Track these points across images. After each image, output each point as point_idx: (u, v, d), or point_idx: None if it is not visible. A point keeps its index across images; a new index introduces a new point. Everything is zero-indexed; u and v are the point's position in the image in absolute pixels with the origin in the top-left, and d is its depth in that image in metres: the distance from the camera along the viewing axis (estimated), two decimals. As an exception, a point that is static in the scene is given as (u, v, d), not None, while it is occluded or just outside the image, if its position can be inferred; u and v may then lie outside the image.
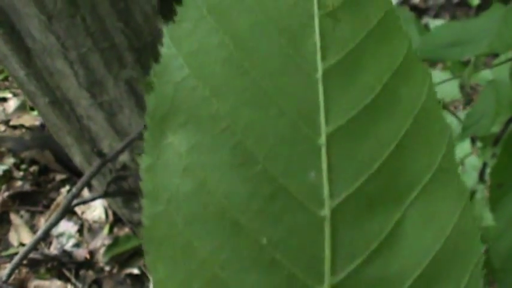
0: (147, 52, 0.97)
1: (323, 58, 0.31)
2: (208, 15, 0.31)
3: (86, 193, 1.94)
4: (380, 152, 0.30)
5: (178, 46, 0.31)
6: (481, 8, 2.66)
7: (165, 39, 0.31)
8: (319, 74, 0.30)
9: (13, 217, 2.02)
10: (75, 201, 1.08)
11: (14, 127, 2.22)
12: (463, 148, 1.26)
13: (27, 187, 2.10)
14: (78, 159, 1.15)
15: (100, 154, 1.02)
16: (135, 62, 0.98)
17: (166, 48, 0.31)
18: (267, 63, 0.30)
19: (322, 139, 0.30)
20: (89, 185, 1.43)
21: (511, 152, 0.84)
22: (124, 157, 1.09)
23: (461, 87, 0.87)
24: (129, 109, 1.02)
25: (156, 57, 0.87)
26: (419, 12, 2.80)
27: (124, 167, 1.11)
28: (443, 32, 0.74)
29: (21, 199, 2.07)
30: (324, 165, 0.29)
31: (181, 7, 0.31)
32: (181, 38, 0.31)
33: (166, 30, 0.31)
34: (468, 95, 0.87)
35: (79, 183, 1.04)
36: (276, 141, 0.29)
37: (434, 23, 2.28)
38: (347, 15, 0.32)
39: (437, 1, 2.80)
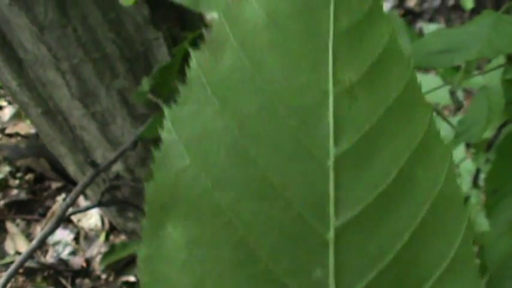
0: (139, 62, 0.97)
1: (336, 143, 0.29)
2: (213, 97, 0.29)
3: (82, 202, 1.94)
4: (392, 243, 0.28)
5: (180, 131, 0.29)
6: (475, 12, 2.66)
7: (166, 123, 0.29)
8: (331, 161, 0.29)
9: (9, 226, 2.01)
10: (69, 211, 1.08)
11: (10, 135, 2.22)
12: (457, 153, 1.26)
13: (23, 195, 2.10)
14: (71, 169, 1.15)
15: (93, 164, 1.02)
16: (127, 72, 0.98)
17: (166, 133, 0.29)
18: (275, 150, 0.29)
19: (331, 234, 0.28)
20: (84, 194, 1.43)
21: (505, 158, 0.84)
22: (117, 167, 1.09)
23: (452, 93, 0.87)
24: (121, 119, 1.02)
25: (148, 68, 0.87)
26: (414, 16, 2.80)
27: (117, 176, 1.10)
28: (434, 39, 0.74)
29: (17, 207, 2.07)
30: (331, 262, 0.28)
31: (184, 86, 0.29)
32: (184, 121, 0.29)
33: (167, 112, 0.29)
34: (458, 102, 0.87)
35: (72, 194, 1.04)
36: (280, 236, 0.28)
37: (428, 28, 2.27)
38: (365, 91, 0.30)
39: (432, 4, 2.80)
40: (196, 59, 0.29)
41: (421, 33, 2.59)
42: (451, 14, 2.76)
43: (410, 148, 0.29)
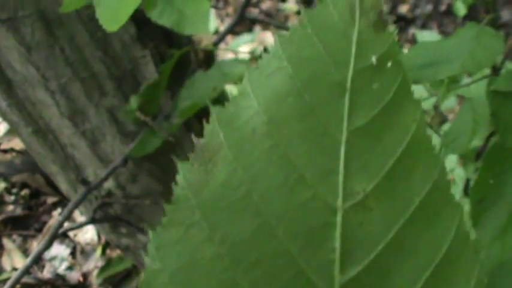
0: (127, 80, 0.98)
1: (342, 271, 0.26)
2: (203, 220, 0.26)
3: (78, 217, 1.95)
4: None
5: (164, 259, 0.26)
6: (468, 18, 2.67)
7: (150, 248, 0.26)
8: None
9: (5, 242, 2.01)
10: (62, 229, 1.08)
11: (4, 151, 2.22)
12: (450, 161, 1.26)
13: (18, 211, 2.10)
14: (63, 186, 1.15)
15: (84, 182, 1.02)
16: (116, 90, 0.98)
17: (150, 260, 0.26)
18: (273, 282, 0.26)
19: None
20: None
21: (491, 168, 0.84)
22: (109, 184, 1.09)
23: (435, 107, 0.87)
24: (111, 136, 1.03)
25: (136, 86, 0.87)
26: (407, 22, 2.80)
27: (109, 193, 1.11)
28: (418, 53, 0.74)
29: (13, 223, 2.07)
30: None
31: (170, 206, 0.27)
32: (169, 248, 0.26)
33: (151, 236, 0.26)
34: (442, 116, 0.87)
35: (65, 211, 1.05)
36: None
37: (421, 35, 2.28)
38: (381, 200, 0.27)
39: (425, 10, 2.81)
40: (184, 173, 0.27)
41: (414, 40, 2.60)
42: (444, 19, 2.77)
43: (433, 264, 0.27)
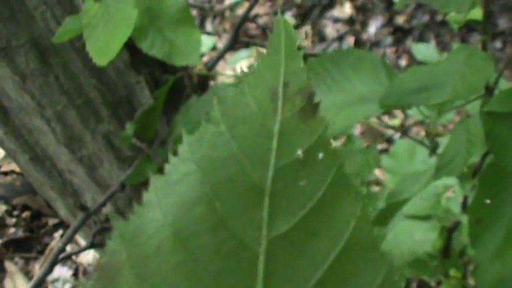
0: (122, 106, 0.98)
1: None
2: None
3: (81, 239, 1.94)
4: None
5: None
6: (465, 28, 2.67)
7: None
8: None
9: (8, 265, 2.01)
10: (63, 254, 1.08)
11: (5, 173, 2.22)
12: (449, 178, 1.26)
13: (20, 233, 2.10)
14: (62, 212, 1.15)
15: (83, 208, 1.02)
16: (111, 116, 0.98)
17: None
18: None
19: None
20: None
21: (487, 188, 0.84)
22: (107, 208, 1.09)
23: (427, 133, 0.87)
24: (108, 162, 1.03)
25: (131, 111, 0.88)
26: (404, 33, 2.81)
27: (108, 218, 1.11)
28: (409, 78, 0.74)
29: (15, 246, 2.07)
30: None
31: None
32: None
33: None
34: (434, 142, 0.88)
35: (64, 238, 1.05)
36: None
37: (417, 48, 2.28)
38: None
39: (421, 21, 2.81)
40: None
41: (411, 52, 2.60)
42: (441, 29, 2.77)
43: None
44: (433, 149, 0.85)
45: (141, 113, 0.94)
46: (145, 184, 0.99)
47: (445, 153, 0.81)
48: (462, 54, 0.73)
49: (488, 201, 0.83)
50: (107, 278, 0.24)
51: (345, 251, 0.25)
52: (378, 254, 0.25)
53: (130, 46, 0.89)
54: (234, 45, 1.00)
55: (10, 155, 1.07)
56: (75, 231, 1.05)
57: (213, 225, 0.25)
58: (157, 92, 0.94)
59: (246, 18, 0.96)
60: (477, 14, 1.15)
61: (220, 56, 0.98)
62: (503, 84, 1.00)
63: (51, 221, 2.12)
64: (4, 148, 1.06)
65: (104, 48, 0.72)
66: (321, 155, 0.26)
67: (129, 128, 0.93)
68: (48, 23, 0.88)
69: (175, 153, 0.26)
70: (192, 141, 0.26)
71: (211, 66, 0.99)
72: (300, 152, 0.26)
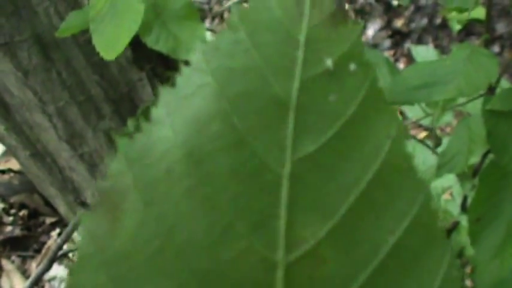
0: (124, 102, 0.98)
1: None
2: (108, 282, 0.21)
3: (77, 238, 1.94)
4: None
5: None
6: (463, 31, 2.68)
7: None
8: None
9: (4, 263, 2.01)
10: (61, 251, 1.08)
11: (2, 172, 2.22)
12: (448, 178, 1.26)
13: (17, 232, 2.10)
14: (62, 209, 1.15)
15: (83, 204, 1.02)
16: (113, 113, 0.98)
17: None
18: None
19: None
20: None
21: (488, 187, 0.84)
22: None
23: (430, 130, 0.88)
24: (109, 159, 1.03)
25: (133, 108, 0.88)
26: (402, 36, 2.81)
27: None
28: (412, 74, 0.75)
29: (11, 244, 2.07)
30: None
31: (74, 269, 0.21)
32: None
33: None
34: (437, 138, 0.88)
35: (63, 235, 1.05)
36: None
37: (416, 50, 2.28)
38: (338, 248, 0.22)
39: (420, 24, 2.81)
40: (87, 225, 0.21)
41: (409, 54, 2.60)
42: (439, 33, 2.78)
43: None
44: (436, 145, 0.85)
45: (142, 109, 0.95)
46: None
47: (447, 150, 0.81)
48: (465, 52, 0.73)
49: (488, 199, 0.84)
50: (110, 204, 0.21)
51: (378, 175, 0.22)
52: (415, 179, 0.22)
53: (132, 42, 0.89)
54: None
55: (11, 151, 1.07)
56: (75, 228, 1.05)
57: (231, 144, 0.22)
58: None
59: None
60: (478, 13, 1.15)
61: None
62: (505, 84, 1.00)
63: (48, 220, 2.12)
64: (5, 144, 1.06)
65: (110, 42, 0.72)
66: (352, 67, 0.23)
67: (131, 124, 0.93)
68: (52, 18, 0.88)
69: (187, 64, 0.23)
70: (207, 50, 0.23)
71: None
72: (329, 62, 0.23)
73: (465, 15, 0.78)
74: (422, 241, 0.22)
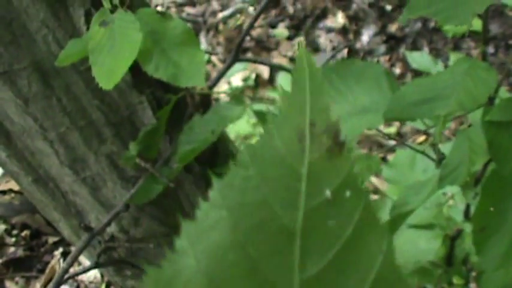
0: (125, 126, 0.98)
1: None
2: None
3: (82, 258, 1.94)
4: None
5: None
6: (457, 34, 2.68)
7: None
8: None
9: (8, 284, 2.01)
10: (67, 275, 1.08)
11: (3, 192, 2.22)
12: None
13: (20, 252, 2.10)
14: (66, 233, 1.15)
15: (87, 228, 1.03)
16: (114, 137, 0.99)
17: None
18: None
19: None
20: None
21: (491, 196, 0.85)
22: (111, 228, 1.09)
23: (433, 145, 0.88)
24: (112, 182, 1.03)
25: (134, 131, 0.88)
26: (397, 41, 2.82)
27: (112, 237, 1.11)
28: (412, 90, 0.75)
29: (15, 265, 2.07)
30: None
31: None
32: None
33: None
34: (440, 153, 0.88)
35: (69, 259, 1.05)
36: None
37: (411, 56, 2.29)
38: None
39: (414, 28, 2.82)
40: None
41: (404, 59, 2.61)
42: (433, 36, 2.79)
43: None
44: (439, 160, 0.85)
45: (144, 133, 0.95)
46: (149, 202, 0.99)
47: (448, 162, 0.81)
48: (463, 66, 0.74)
49: (492, 209, 0.84)
50: None
51: (373, 287, 0.25)
52: (404, 286, 0.25)
53: (132, 67, 0.90)
54: (234, 63, 1.00)
55: (13, 177, 1.08)
56: (80, 252, 1.05)
57: (247, 272, 0.25)
58: (161, 112, 0.94)
59: (246, 35, 0.96)
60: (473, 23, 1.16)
61: (222, 75, 0.99)
62: (503, 93, 1.01)
63: (51, 239, 2.12)
64: (7, 171, 1.06)
65: (109, 72, 0.73)
66: (348, 193, 0.26)
67: (133, 148, 0.93)
68: (50, 46, 0.89)
69: (205, 199, 0.26)
70: (222, 186, 0.26)
71: (212, 84, 1.00)
72: (328, 192, 0.26)
73: (460, 28, 0.79)
74: None
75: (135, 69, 0.83)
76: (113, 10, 0.77)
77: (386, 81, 0.85)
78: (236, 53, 0.98)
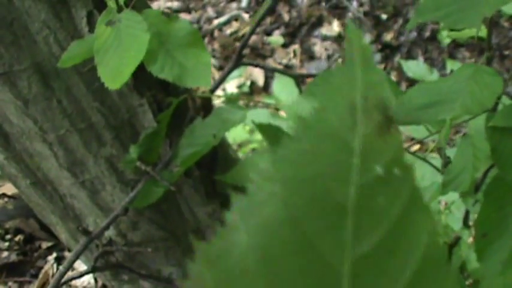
0: (125, 129, 0.98)
1: None
2: None
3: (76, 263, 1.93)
4: None
5: None
6: (452, 43, 2.69)
7: None
8: None
9: (1, 289, 2.00)
10: (64, 279, 1.08)
11: (-3, 197, 2.21)
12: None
13: (13, 257, 2.08)
14: (64, 236, 1.15)
15: (85, 232, 1.02)
16: (114, 140, 0.98)
17: None
18: None
19: None
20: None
21: (493, 202, 0.84)
22: (109, 232, 1.09)
23: (439, 149, 0.88)
24: (111, 186, 1.02)
25: (134, 135, 0.87)
26: (392, 49, 2.82)
27: (110, 241, 1.10)
28: (416, 94, 0.75)
29: (8, 270, 2.06)
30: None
31: None
32: None
33: None
34: (446, 157, 0.88)
35: (66, 263, 1.04)
36: None
37: (407, 65, 2.30)
38: None
39: (409, 37, 2.83)
40: None
41: (400, 68, 2.61)
42: (428, 45, 2.79)
43: None
44: (445, 164, 0.85)
45: (144, 136, 0.94)
46: (148, 206, 0.99)
47: (452, 168, 0.81)
48: (468, 71, 0.74)
49: (494, 215, 0.84)
50: None
51: (420, 267, 0.24)
52: (448, 269, 0.25)
53: (133, 69, 0.90)
54: (237, 67, 1.00)
55: (11, 179, 1.07)
56: (78, 256, 1.04)
57: (300, 248, 0.24)
58: (162, 115, 0.94)
59: (248, 39, 0.96)
60: (472, 31, 1.16)
61: (223, 79, 0.99)
62: (505, 100, 1.01)
63: (45, 244, 2.10)
64: (4, 173, 1.06)
65: (115, 72, 0.72)
66: (396, 171, 0.25)
67: (134, 151, 0.93)
68: (51, 47, 0.88)
69: (257, 172, 0.25)
70: (275, 159, 0.25)
71: (214, 88, 0.99)
72: (379, 169, 0.25)
73: (462, 34, 0.79)
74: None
75: (136, 72, 0.83)
76: (119, 10, 0.77)
77: (389, 86, 0.85)
78: (238, 57, 0.98)
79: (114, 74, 0.72)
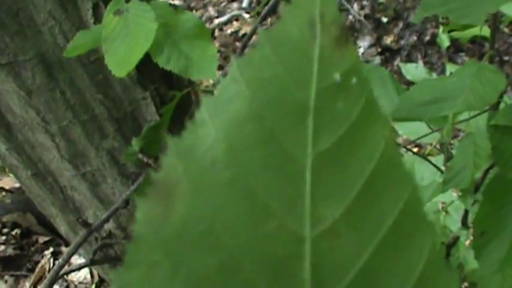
0: (127, 122, 0.98)
1: None
2: (164, 258, 0.24)
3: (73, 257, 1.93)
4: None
5: None
6: (452, 48, 2.70)
7: None
8: None
9: (-3, 283, 2.00)
10: (63, 271, 1.08)
11: (-6, 191, 2.21)
12: (449, 193, 1.27)
13: (10, 251, 2.08)
14: (63, 228, 1.15)
15: (85, 224, 1.02)
16: (116, 132, 0.98)
17: None
18: None
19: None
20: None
21: (492, 201, 0.85)
22: (109, 225, 1.09)
23: (441, 144, 0.88)
24: (112, 178, 1.03)
25: (136, 127, 0.87)
26: (392, 53, 2.83)
27: (109, 234, 1.11)
28: (420, 90, 0.75)
29: (4, 264, 2.06)
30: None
31: (131, 245, 0.24)
32: None
33: (114, 277, 0.23)
34: (448, 152, 0.88)
35: (65, 255, 1.04)
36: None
37: (406, 68, 2.30)
38: (351, 225, 0.26)
39: (409, 41, 2.83)
40: (143, 209, 0.24)
41: (399, 71, 2.62)
42: (428, 49, 2.80)
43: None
44: (447, 159, 0.86)
45: (147, 129, 0.95)
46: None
47: (452, 165, 0.82)
48: (472, 69, 0.74)
49: (493, 213, 0.84)
50: (164, 192, 0.25)
51: (376, 167, 0.27)
52: (403, 172, 0.27)
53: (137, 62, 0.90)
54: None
55: (12, 170, 1.07)
56: (77, 248, 1.04)
57: (264, 140, 0.26)
58: (165, 109, 0.94)
59: (248, 41, 0.97)
60: (476, 31, 1.16)
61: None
62: (507, 99, 1.01)
63: (41, 239, 2.11)
64: (5, 164, 1.06)
65: (122, 60, 0.72)
66: (354, 80, 0.27)
67: (136, 143, 0.93)
68: (56, 38, 0.88)
69: (225, 76, 0.27)
70: (241, 63, 0.27)
71: (217, 83, 1.00)
72: (337, 76, 0.27)
73: (464, 33, 0.79)
74: (412, 224, 0.26)
75: (140, 65, 0.83)
76: (126, 0, 0.77)
77: (392, 84, 0.85)
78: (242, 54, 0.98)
79: (122, 62, 0.72)
